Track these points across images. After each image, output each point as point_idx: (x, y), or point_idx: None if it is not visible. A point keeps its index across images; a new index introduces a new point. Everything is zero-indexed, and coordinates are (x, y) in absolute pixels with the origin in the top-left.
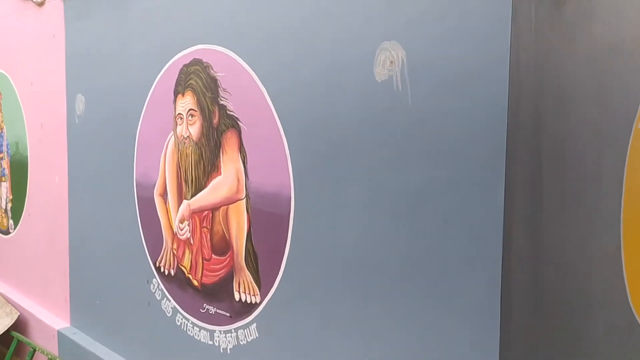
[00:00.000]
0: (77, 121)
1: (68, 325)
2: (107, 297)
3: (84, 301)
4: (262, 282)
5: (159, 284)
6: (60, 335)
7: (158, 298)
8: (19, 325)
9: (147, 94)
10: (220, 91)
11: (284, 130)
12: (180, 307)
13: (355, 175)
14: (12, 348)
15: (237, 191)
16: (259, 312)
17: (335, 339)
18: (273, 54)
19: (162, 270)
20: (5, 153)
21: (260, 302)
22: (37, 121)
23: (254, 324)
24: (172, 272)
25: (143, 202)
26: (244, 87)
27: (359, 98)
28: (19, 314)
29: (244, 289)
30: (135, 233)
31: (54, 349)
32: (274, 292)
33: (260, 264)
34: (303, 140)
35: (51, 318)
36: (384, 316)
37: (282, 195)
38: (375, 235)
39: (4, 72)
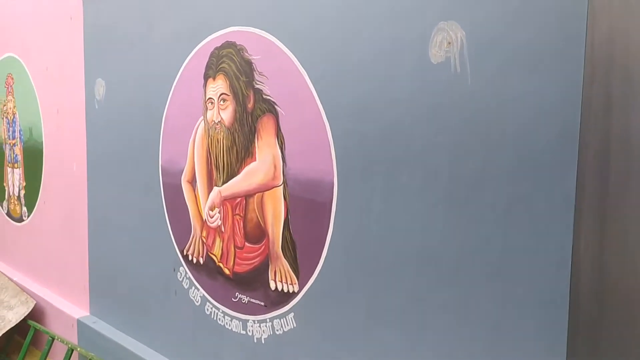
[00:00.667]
0: (96, 106)
1: (87, 313)
2: (129, 285)
3: (104, 289)
4: (301, 271)
5: (186, 273)
6: (80, 324)
7: (185, 287)
8: (36, 314)
9: (175, 78)
10: (255, 75)
11: (326, 115)
12: (210, 296)
13: (408, 161)
14: (29, 337)
15: (274, 178)
16: (297, 302)
17: (383, 331)
18: (316, 36)
19: (190, 258)
20: (18, 139)
21: (299, 292)
22: (52, 107)
23: (292, 314)
24: (201, 261)
25: (169, 189)
26: (283, 70)
27: (412, 81)
28: (35, 302)
29: (281, 278)
30: (160, 221)
31: (73, 338)
32: (314, 281)
33: (299, 252)
34: (348, 125)
35: (69, 306)
36: (438, 307)
37: (323, 182)
38: (429, 224)
39: (17, 57)
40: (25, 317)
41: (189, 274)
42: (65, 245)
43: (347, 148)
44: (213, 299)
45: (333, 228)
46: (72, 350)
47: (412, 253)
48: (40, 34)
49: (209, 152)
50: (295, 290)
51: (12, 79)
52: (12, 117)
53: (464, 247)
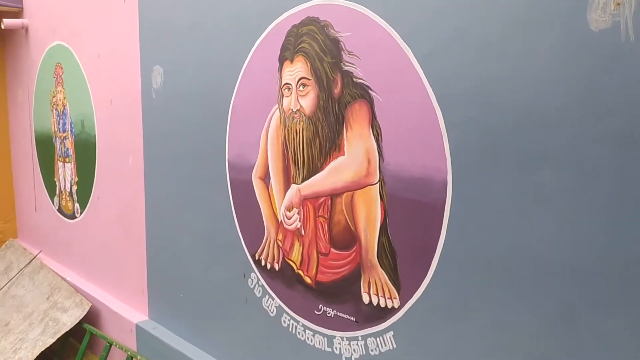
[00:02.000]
0: (153, 96)
1: (146, 318)
2: (193, 290)
3: (164, 294)
4: (403, 284)
5: (258, 279)
6: (139, 330)
7: (258, 295)
8: (91, 317)
9: (243, 62)
10: (343, 55)
11: (437, 100)
12: (288, 306)
13: (553, 155)
14: (85, 342)
15: (367, 174)
16: (398, 319)
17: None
18: (421, 3)
19: (263, 263)
20: (69, 132)
21: (400, 307)
22: (106, 97)
23: (390, 332)
24: (277, 267)
25: (238, 186)
26: (379, 48)
27: (560, 55)
28: (90, 304)
29: (376, 290)
30: (228, 221)
31: (131, 344)
32: (421, 297)
33: (400, 262)
34: (467, 112)
35: (127, 310)
36: (593, 332)
37: (433, 180)
38: (585, 234)
39: (66, 45)
40: (81, 320)
41: (262, 281)
42: (121, 244)
43: (465, 140)
44: (291, 310)
45: (446, 234)
46: (132, 358)
47: (558, 268)
48: (91, 20)
49: (285, 145)
50: (396, 306)
51: (62, 68)
52: (62, 109)
53: (635, 262)
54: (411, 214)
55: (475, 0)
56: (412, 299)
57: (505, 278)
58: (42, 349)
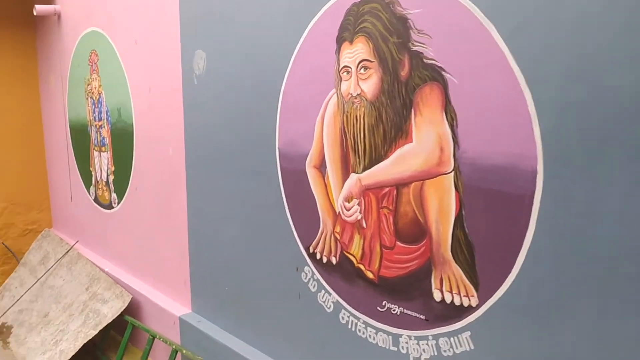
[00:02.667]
0: (195, 82)
1: (189, 311)
2: (239, 283)
3: (207, 286)
4: (482, 280)
5: (313, 274)
6: (183, 323)
7: (313, 290)
8: (131, 308)
9: (296, 44)
10: (412, 34)
11: (527, 82)
12: (347, 302)
13: None
14: (127, 334)
15: (439, 163)
16: (477, 319)
17: None
18: None
19: (318, 257)
20: (105, 121)
21: (479, 306)
22: (144, 84)
23: (467, 333)
24: (334, 261)
25: (289, 175)
26: (455, 25)
27: None
28: (131, 296)
29: (450, 287)
30: (279, 212)
31: (174, 338)
32: (504, 295)
33: (479, 257)
34: (563, 94)
35: (169, 302)
36: None
37: (519, 168)
38: None
39: (101, 31)
40: (122, 312)
41: (317, 275)
42: (162, 236)
43: (560, 124)
44: (351, 306)
45: (536, 228)
46: (177, 352)
47: None
48: (128, 4)
49: (343, 132)
50: (473, 304)
51: (97, 55)
52: (97, 97)
53: None
54: (492, 205)
55: None
56: (493, 297)
57: (609, 277)
58: (85, 340)
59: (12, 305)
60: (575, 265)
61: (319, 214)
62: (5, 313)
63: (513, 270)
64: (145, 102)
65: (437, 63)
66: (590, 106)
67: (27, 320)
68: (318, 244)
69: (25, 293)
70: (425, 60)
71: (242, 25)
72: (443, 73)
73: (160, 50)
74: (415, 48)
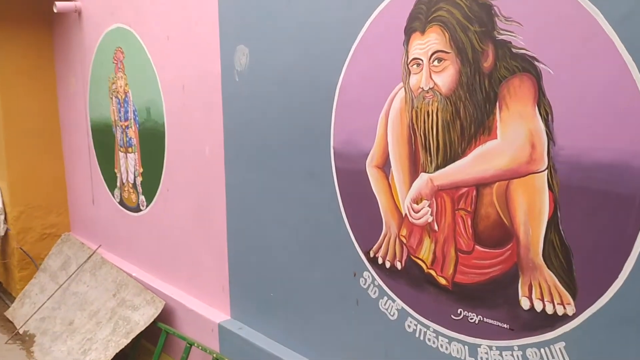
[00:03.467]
0: (237, 79)
1: (228, 317)
2: (287, 289)
3: (249, 292)
4: (580, 288)
5: (373, 279)
6: (223, 330)
7: (374, 296)
8: (164, 316)
9: (356, 36)
10: (497, 22)
11: (639, 70)
12: (414, 309)
13: None
14: (161, 342)
15: (530, 161)
16: (573, 329)
17: None
18: None
19: (380, 262)
20: (133, 120)
21: (576, 315)
22: (176, 82)
23: (561, 343)
24: (399, 266)
25: (346, 176)
26: (552, 12)
27: None
28: (164, 302)
29: (541, 295)
30: (333, 215)
31: (213, 346)
32: (607, 303)
33: (577, 263)
34: None
35: (205, 309)
36: None
37: (630, 166)
38: None
39: (128, 27)
40: (155, 319)
41: (379, 281)
42: (197, 239)
43: None
44: (419, 313)
45: None
46: None
47: None
48: None
49: (412, 129)
50: (569, 313)
51: (123, 53)
52: (123, 97)
53: None
54: (595, 206)
55: None
56: (594, 305)
57: None
58: (117, 350)
59: (35, 313)
60: None
61: (381, 217)
62: (27, 321)
63: (620, 276)
64: (179, 100)
65: (528, 52)
66: None
67: (51, 329)
68: (380, 248)
69: (47, 300)
70: (513, 50)
71: (291, 18)
72: (536, 63)
73: (196, 47)
74: (501, 37)
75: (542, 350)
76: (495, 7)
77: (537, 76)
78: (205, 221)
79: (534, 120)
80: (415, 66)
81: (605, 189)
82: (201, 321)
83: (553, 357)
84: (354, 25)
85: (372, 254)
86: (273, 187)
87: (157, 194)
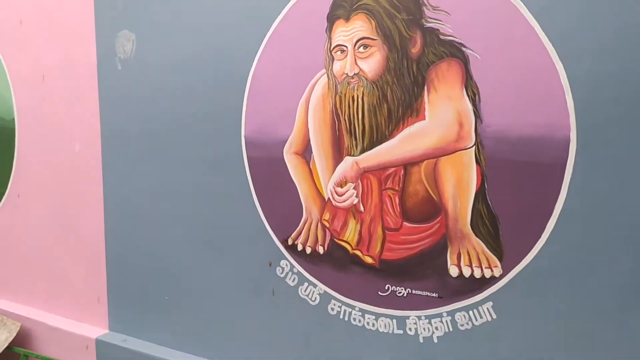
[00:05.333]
0: (119, 67)
1: (106, 331)
2: (187, 289)
3: (135, 299)
4: (507, 250)
5: (292, 267)
6: (101, 345)
7: (292, 284)
8: (22, 339)
9: (270, 24)
10: (425, 11)
11: (558, 55)
12: (338, 292)
13: None
14: None
15: (458, 139)
16: (500, 288)
17: None
18: None
19: (300, 248)
20: None
21: (503, 275)
22: (33, 73)
23: (488, 303)
24: (322, 250)
25: (260, 164)
26: (478, 3)
27: None
28: (19, 324)
29: (469, 262)
30: (244, 206)
31: None
32: (532, 261)
33: (503, 228)
34: (596, 64)
35: (74, 325)
36: None
37: (551, 139)
38: None
39: None
40: (9, 344)
41: (298, 268)
42: (60, 247)
43: (594, 95)
44: (343, 295)
45: (567, 194)
46: None
47: None
48: None
49: (335, 115)
50: (497, 275)
51: None
52: None
53: None
54: (519, 176)
55: None
56: (520, 264)
57: (637, 231)
58: None
59: None
60: (608, 225)
61: (301, 203)
62: None
63: (542, 236)
64: (36, 93)
65: (456, 39)
66: (624, 78)
67: None
68: (300, 234)
69: None
70: (441, 37)
71: (192, 3)
72: (463, 49)
73: (61, 31)
74: (429, 25)
75: (470, 312)
76: None
77: (464, 60)
78: (72, 227)
79: (461, 101)
80: (339, 52)
81: (529, 160)
82: (71, 339)
83: (481, 317)
84: (268, 13)
85: (290, 242)
86: (169, 182)
87: (3, 200)
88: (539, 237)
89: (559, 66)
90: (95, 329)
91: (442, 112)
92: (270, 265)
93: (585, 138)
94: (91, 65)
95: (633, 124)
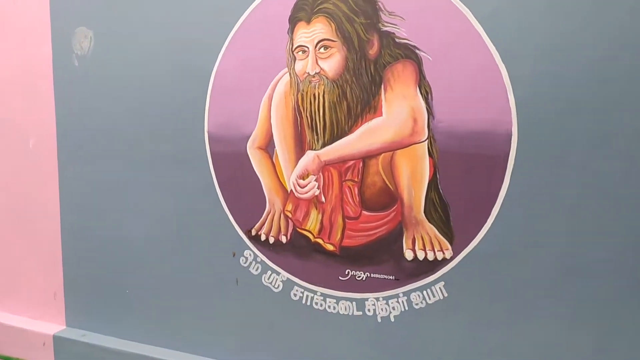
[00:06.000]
0: (76, 63)
1: (63, 327)
2: (148, 282)
3: (93, 293)
4: (457, 234)
5: (255, 256)
6: (59, 342)
7: (255, 272)
8: None
9: (234, 23)
10: (382, 16)
11: (501, 58)
12: (300, 278)
13: (630, 102)
14: None
15: (413, 133)
16: (451, 269)
17: (580, 288)
18: None
19: (263, 238)
20: None
21: (453, 257)
22: None
23: (441, 283)
24: (285, 239)
25: (223, 159)
26: (430, 9)
27: (635, 12)
28: None
29: (423, 245)
30: (208, 199)
31: None
32: (479, 243)
33: (453, 214)
34: (536, 67)
35: (29, 322)
36: None
37: (496, 132)
38: None
39: None
40: None
41: (261, 257)
42: (15, 244)
43: (533, 92)
44: (305, 281)
45: (510, 182)
46: None
47: (629, 200)
48: None
49: (297, 111)
50: (448, 257)
51: None
52: None
53: None
54: (467, 167)
55: None
56: (468, 246)
57: (575, 217)
58: None
59: None
60: (546, 209)
61: (264, 196)
62: None
63: (488, 220)
64: None
65: (410, 42)
66: (560, 78)
67: None
68: (263, 225)
69: None
70: (397, 40)
71: (153, 2)
72: (417, 51)
73: (12, 28)
74: (385, 29)
75: (424, 292)
76: (379, 3)
77: (418, 62)
78: (27, 223)
79: (415, 99)
80: (300, 53)
81: (476, 152)
82: (27, 337)
83: (434, 296)
84: (232, 12)
85: (254, 232)
86: (131, 177)
87: None
88: (485, 221)
89: (502, 68)
90: (53, 326)
91: (398, 109)
92: (234, 255)
93: (525, 132)
94: (46, 61)
95: (567, 120)
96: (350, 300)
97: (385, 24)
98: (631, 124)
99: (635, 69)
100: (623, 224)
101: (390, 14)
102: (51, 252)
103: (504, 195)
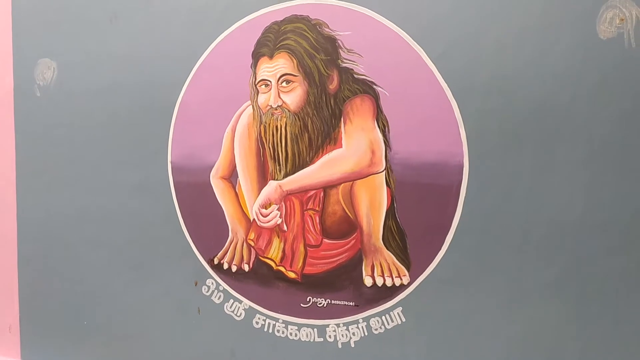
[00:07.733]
0: (38, 94)
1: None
2: (107, 313)
3: (50, 326)
4: (413, 261)
5: (218, 285)
6: None
7: (218, 301)
8: None
9: (198, 57)
10: (342, 52)
11: (453, 94)
12: (262, 306)
13: (566, 136)
14: None
15: (371, 164)
16: (408, 294)
17: (531, 310)
18: (433, 12)
19: (226, 267)
20: None
21: (410, 283)
22: None
23: (399, 308)
24: (247, 268)
25: (186, 189)
26: (386, 47)
27: (573, 57)
28: None
29: (381, 272)
30: (170, 228)
31: None
32: (434, 270)
33: (410, 241)
34: (485, 104)
35: None
36: (601, 273)
37: (448, 164)
38: (596, 194)
39: None
40: None
41: (224, 286)
42: None
43: (482, 126)
44: (267, 309)
45: (462, 210)
46: None
47: (572, 224)
48: None
49: (259, 142)
50: (405, 282)
51: None
52: None
53: (636, 214)
54: (422, 196)
55: (485, 7)
56: (424, 273)
57: (522, 240)
58: None
59: None
60: (496, 235)
61: (227, 224)
62: None
63: (442, 247)
64: None
65: (368, 78)
66: (507, 113)
67: None
68: (226, 254)
69: None
70: (355, 76)
71: (116, 36)
72: (374, 87)
73: None
74: (344, 65)
75: (383, 317)
76: (339, 41)
77: (375, 97)
78: None
79: (373, 131)
80: (263, 86)
81: (430, 182)
82: None
83: (392, 321)
84: (196, 46)
85: (216, 261)
86: (91, 207)
87: None
88: (440, 248)
89: (453, 103)
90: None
91: (357, 141)
92: (196, 284)
93: (475, 163)
94: (7, 92)
95: (514, 152)
96: (312, 327)
97: (345, 60)
98: (571, 154)
99: (574, 104)
100: (568, 247)
101: (349, 51)
102: (7, 284)
103: (457, 223)
